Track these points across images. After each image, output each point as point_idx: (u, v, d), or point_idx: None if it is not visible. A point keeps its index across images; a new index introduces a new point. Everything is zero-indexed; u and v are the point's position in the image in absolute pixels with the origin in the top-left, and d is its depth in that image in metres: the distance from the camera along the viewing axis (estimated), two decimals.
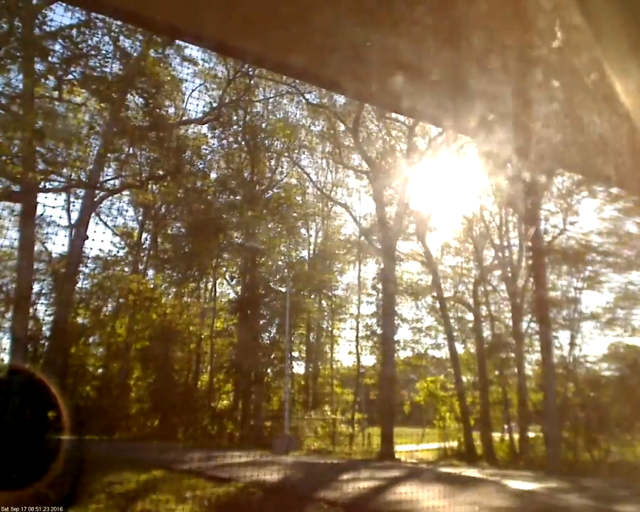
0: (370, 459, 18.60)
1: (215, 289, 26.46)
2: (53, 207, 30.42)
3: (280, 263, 24.86)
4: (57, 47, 15.24)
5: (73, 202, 20.46)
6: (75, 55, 15.75)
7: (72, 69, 16.22)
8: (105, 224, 24.10)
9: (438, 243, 31.73)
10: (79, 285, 21.30)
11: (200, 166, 23.29)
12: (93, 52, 16.30)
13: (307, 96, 23.01)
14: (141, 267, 25.59)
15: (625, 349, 21.74)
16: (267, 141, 25.41)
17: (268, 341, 23.85)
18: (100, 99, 17.05)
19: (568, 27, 1.59)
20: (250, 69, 21.10)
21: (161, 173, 21.81)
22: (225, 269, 26.41)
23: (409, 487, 10.98)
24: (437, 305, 24.78)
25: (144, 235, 25.85)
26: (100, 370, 22.23)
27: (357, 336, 25.99)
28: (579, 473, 15.86)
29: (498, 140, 2.62)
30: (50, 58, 15.22)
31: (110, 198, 21.77)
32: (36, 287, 19.31)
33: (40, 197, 16.88)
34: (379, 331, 23.77)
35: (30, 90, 15.04)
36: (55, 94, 16.09)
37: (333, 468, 14.57)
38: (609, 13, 0.98)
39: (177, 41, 17.19)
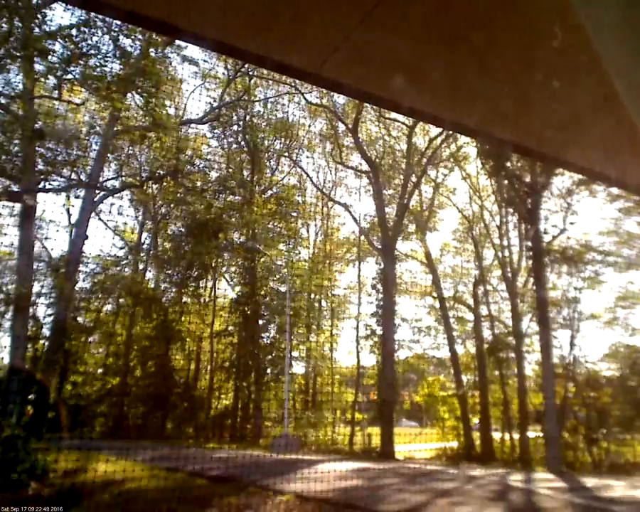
0: (374, 459, 18.58)
1: (215, 289, 26.49)
2: (54, 203, 30.45)
3: (280, 263, 24.85)
4: (57, 47, 15.22)
5: (73, 201, 20.51)
6: (75, 54, 15.71)
7: (72, 69, 16.19)
8: (105, 224, 24.12)
9: (438, 243, 31.77)
10: (79, 285, 21.32)
11: (200, 166, 23.30)
12: (93, 52, 16.29)
13: (307, 96, 23.07)
14: (141, 267, 25.61)
15: (625, 349, 21.74)
16: (267, 141, 25.42)
17: (268, 341, 23.83)
18: (100, 99, 17.03)
19: (567, 27, 1.59)
20: (250, 69, 21.13)
21: (161, 173, 21.80)
22: (225, 269, 26.42)
23: None
24: (437, 305, 24.77)
25: (144, 235, 25.91)
26: (100, 370, 22.22)
27: (357, 336, 25.99)
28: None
29: (498, 140, 2.62)
30: (50, 58, 15.18)
31: (110, 197, 21.77)
32: (36, 287, 19.33)
33: (40, 197, 16.88)
34: (379, 331, 23.73)
35: (30, 90, 15.03)
36: (55, 94, 16.08)
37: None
38: (609, 13, 0.98)
39: (177, 41, 17.18)
